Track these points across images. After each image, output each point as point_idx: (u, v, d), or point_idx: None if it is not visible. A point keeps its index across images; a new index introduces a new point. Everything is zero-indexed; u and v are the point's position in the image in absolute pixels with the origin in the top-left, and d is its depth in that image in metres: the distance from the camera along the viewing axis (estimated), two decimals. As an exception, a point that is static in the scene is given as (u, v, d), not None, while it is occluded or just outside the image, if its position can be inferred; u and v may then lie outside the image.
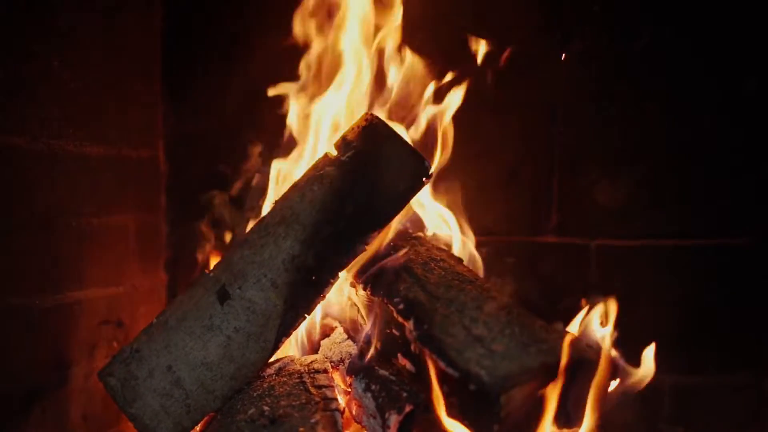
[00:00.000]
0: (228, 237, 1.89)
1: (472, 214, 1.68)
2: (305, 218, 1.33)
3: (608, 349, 1.27)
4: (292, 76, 1.71)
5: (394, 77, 1.65)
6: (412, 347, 1.30)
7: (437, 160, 1.59)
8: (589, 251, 1.82)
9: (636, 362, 1.33)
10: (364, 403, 1.33)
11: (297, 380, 1.30)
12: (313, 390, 1.26)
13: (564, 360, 1.19)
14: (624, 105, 1.80)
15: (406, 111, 1.65)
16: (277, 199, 1.40)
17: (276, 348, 1.33)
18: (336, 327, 1.52)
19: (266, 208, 1.54)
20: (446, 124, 1.61)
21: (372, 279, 1.41)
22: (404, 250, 1.44)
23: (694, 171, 1.78)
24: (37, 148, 1.49)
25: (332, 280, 1.35)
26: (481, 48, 1.72)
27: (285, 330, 1.32)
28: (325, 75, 1.68)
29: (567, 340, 1.21)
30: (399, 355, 1.38)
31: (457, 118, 1.63)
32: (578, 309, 1.40)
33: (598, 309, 1.36)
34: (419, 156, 1.35)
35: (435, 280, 1.36)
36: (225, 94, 1.92)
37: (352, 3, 1.65)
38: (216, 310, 1.31)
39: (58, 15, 1.53)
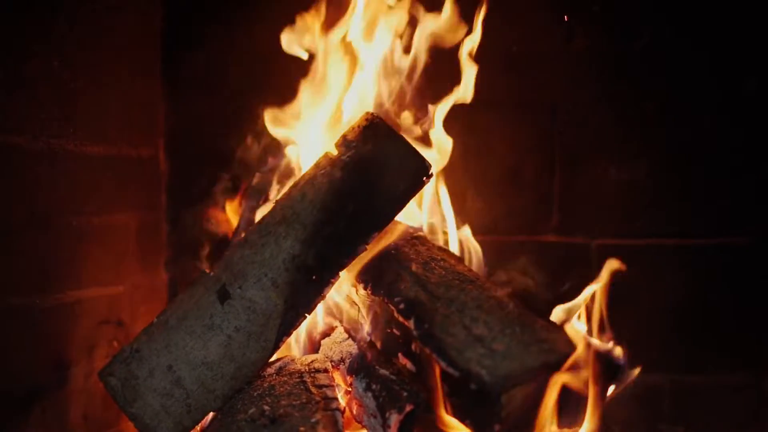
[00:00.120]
0: (229, 236, 1.89)
1: (473, 213, 1.68)
2: (306, 218, 1.33)
3: (606, 349, 1.27)
4: (294, 81, 1.70)
5: (395, 75, 1.65)
6: (413, 347, 1.30)
7: (437, 161, 1.59)
8: (590, 251, 1.83)
9: (636, 362, 1.33)
10: (364, 403, 1.33)
11: (297, 380, 1.30)
12: (313, 389, 1.26)
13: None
14: (624, 105, 1.80)
15: (406, 110, 1.66)
16: (277, 198, 1.40)
17: (276, 347, 1.33)
18: (336, 326, 1.52)
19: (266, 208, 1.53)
20: (446, 124, 1.61)
21: (372, 278, 1.41)
22: (404, 250, 1.44)
23: (694, 171, 1.78)
24: (37, 148, 1.49)
25: (333, 280, 1.35)
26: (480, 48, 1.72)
27: (285, 329, 1.32)
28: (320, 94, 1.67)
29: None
30: (399, 354, 1.38)
31: (458, 117, 1.64)
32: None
33: (595, 308, 1.36)
34: (420, 156, 1.35)
35: (436, 280, 1.36)
36: (226, 93, 1.92)
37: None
38: (216, 310, 1.31)
39: (58, 15, 1.53)
